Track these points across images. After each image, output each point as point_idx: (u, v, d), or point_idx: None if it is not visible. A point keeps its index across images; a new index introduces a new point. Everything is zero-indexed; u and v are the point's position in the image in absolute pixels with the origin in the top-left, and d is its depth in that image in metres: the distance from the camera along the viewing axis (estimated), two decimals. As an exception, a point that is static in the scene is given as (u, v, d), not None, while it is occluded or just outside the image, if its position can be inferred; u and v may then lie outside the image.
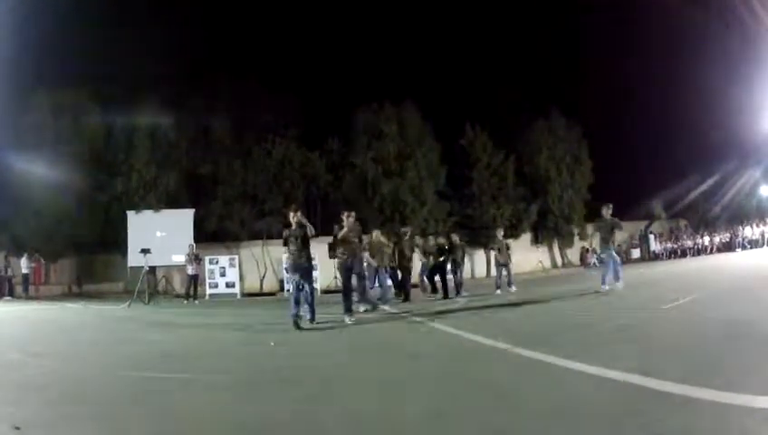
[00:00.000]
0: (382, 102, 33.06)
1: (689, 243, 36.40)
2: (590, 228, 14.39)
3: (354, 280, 11.22)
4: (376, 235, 16.09)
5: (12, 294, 22.72)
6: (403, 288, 16.23)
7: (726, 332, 6.07)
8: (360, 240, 11.67)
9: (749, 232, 33.08)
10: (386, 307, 13.61)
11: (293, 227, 9.93)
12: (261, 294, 26.74)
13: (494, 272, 19.00)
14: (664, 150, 34.51)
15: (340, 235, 11.15)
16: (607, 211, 13.38)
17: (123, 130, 30.23)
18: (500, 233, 18.75)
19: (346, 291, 10.83)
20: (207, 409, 4.39)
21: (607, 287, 12.73)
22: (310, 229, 10.00)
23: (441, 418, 3.76)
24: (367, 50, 38.88)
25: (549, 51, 38.50)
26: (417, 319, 10.31)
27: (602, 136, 36.38)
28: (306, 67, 37.15)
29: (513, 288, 16.70)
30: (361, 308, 12.24)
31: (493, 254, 20.83)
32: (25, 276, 23.98)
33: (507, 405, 3.94)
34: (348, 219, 11.06)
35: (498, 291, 16.68)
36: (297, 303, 9.60)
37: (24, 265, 23.94)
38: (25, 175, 25.82)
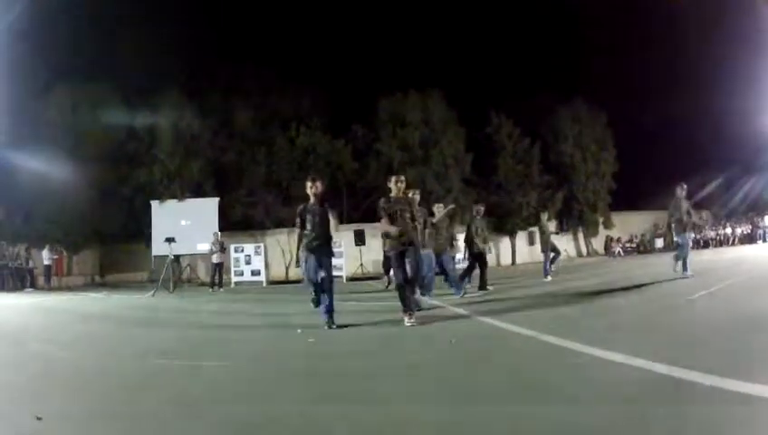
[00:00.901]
0: (407, 90, 33.00)
1: (711, 234, 35.87)
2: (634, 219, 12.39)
3: (409, 269, 7.96)
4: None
5: (34, 285, 22.98)
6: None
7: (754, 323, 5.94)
8: (413, 217, 8.39)
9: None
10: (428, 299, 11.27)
11: (312, 201, 8.05)
12: (287, 281, 26.83)
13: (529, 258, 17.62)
14: (686, 139, 33.94)
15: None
16: (681, 191, 12.43)
17: (145, 121, 30.37)
18: (544, 217, 16.78)
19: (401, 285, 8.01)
20: (231, 397, 4.31)
21: (689, 273, 11.82)
22: (332, 214, 8.44)
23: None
24: (391, 37, 38.85)
25: (574, 38, 37.93)
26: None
27: (626, 124, 36.05)
28: (331, 55, 37.09)
29: (549, 278, 15.10)
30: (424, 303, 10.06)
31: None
32: (47, 268, 24.19)
33: None
34: (396, 185, 8.31)
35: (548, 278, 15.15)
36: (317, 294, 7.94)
37: (45, 256, 24.20)
38: (47, 168, 26.14)
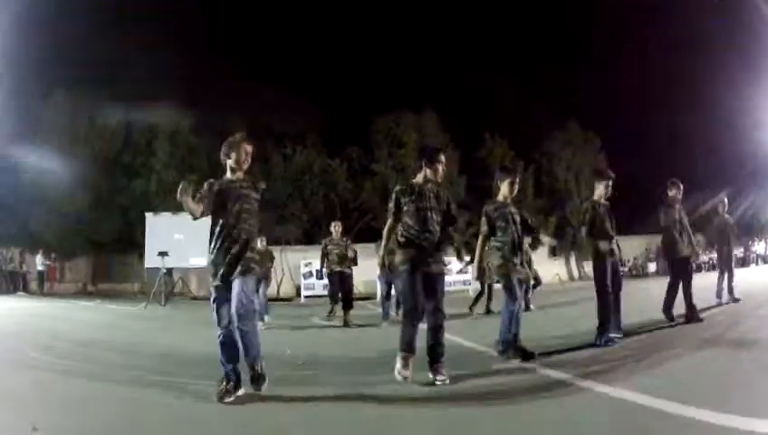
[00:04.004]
0: (401, 110, 33.24)
1: (704, 257, 35.74)
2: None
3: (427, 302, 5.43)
4: None
5: (26, 289, 22.90)
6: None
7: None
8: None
9: (762, 247, 32.40)
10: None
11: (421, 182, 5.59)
12: (277, 299, 26.81)
13: None
14: (681, 163, 34.11)
15: None
16: (723, 209, 11.41)
17: (142, 132, 30.66)
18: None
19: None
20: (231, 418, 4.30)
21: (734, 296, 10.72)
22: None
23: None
24: (386, 58, 39.21)
25: (567, 63, 38.37)
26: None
27: (619, 148, 36.28)
28: (326, 74, 37.46)
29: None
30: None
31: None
32: (41, 273, 24.16)
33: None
34: (435, 167, 5.66)
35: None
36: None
37: (39, 262, 24.12)
38: (43, 174, 26.15)
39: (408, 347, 5.30)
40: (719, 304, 10.16)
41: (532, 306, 13.16)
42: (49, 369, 6.06)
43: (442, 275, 5.53)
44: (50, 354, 6.99)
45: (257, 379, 4.82)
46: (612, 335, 6.96)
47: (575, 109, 36.56)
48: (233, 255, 4.86)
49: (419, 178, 5.65)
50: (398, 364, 5.28)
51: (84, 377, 5.71)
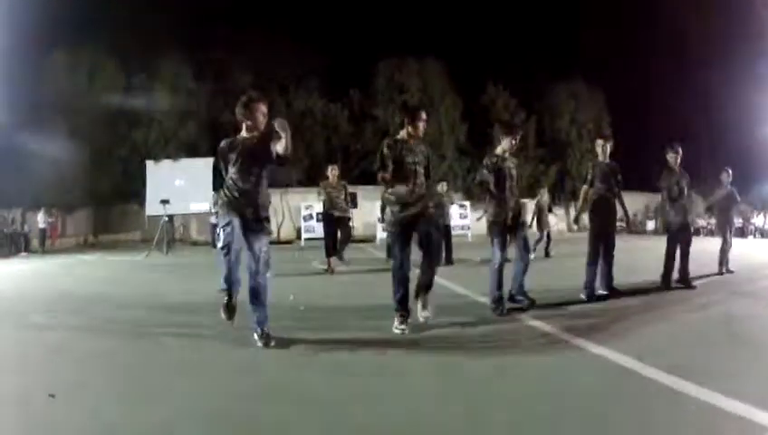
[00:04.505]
0: (405, 56, 32.97)
1: (702, 222, 35.53)
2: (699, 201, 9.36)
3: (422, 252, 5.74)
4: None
5: (28, 249, 22.85)
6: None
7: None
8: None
9: (761, 221, 32.08)
10: None
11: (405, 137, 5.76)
12: (278, 242, 27.00)
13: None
14: (683, 123, 33.75)
15: None
16: (727, 178, 10.78)
17: (142, 82, 30.55)
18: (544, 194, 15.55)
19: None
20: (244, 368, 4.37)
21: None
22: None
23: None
24: (390, 2, 38.35)
25: (576, 13, 37.56)
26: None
27: (624, 104, 35.90)
28: (329, 18, 36.67)
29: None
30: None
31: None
32: (42, 231, 23.99)
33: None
34: (415, 124, 5.78)
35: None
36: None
37: (41, 219, 24.04)
38: (43, 131, 26.10)
39: (401, 306, 5.55)
40: (721, 273, 9.99)
41: (552, 253, 14.19)
42: (56, 331, 5.97)
43: (432, 214, 5.82)
44: (56, 316, 6.85)
45: (265, 338, 4.96)
46: (600, 293, 7.31)
47: (581, 63, 36.06)
48: (247, 209, 4.97)
49: (403, 134, 5.79)
50: (396, 322, 5.52)
51: (93, 335, 5.71)
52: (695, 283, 8.32)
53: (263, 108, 5.12)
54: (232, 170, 5.03)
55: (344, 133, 32.05)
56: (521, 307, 6.51)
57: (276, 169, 5.18)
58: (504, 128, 6.80)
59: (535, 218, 14.56)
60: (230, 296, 5.20)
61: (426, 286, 5.69)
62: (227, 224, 4.99)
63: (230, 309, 5.23)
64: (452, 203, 14.61)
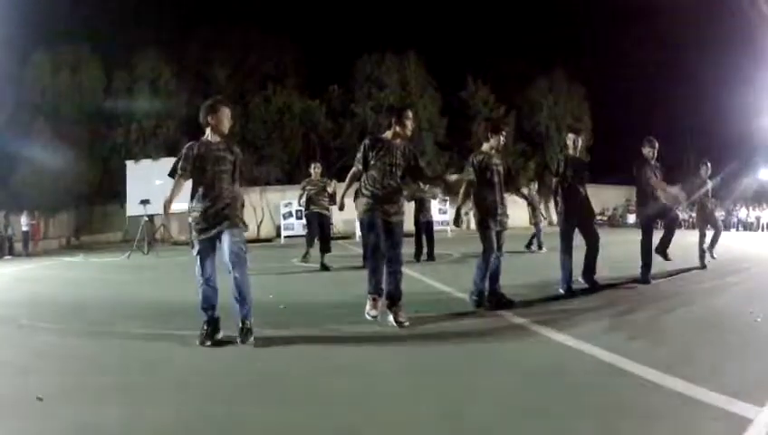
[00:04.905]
0: (384, 52, 33.06)
1: (684, 215, 35.70)
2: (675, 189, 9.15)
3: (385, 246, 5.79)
4: None
5: (12, 252, 22.58)
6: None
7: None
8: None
9: (744, 214, 32.32)
10: None
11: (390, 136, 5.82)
12: (258, 240, 26.94)
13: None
14: (664, 116, 34.01)
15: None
16: (706, 172, 10.68)
17: (123, 81, 30.67)
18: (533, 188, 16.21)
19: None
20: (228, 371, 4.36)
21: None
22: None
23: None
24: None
25: (556, 7, 37.77)
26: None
27: (603, 98, 36.15)
28: (307, 15, 36.61)
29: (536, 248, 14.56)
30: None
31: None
32: (25, 234, 23.73)
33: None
34: (402, 122, 5.80)
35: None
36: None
37: (23, 222, 23.77)
38: (23, 132, 25.99)
39: (374, 290, 5.69)
40: (703, 266, 9.91)
41: (544, 249, 14.26)
42: (42, 334, 5.93)
43: (401, 223, 5.86)
44: (41, 319, 6.73)
45: (245, 333, 4.96)
46: (575, 287, 7.32)
47: (561, 57, 36.33)
48: (215, 212, 5.05)
49: (388, 134, 5.83)
50: (368, 305, 5.69)
51: (78, 338, 5.69)
52: (677, 275, 8.47)
53: (227, 111, 5.24)
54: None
55: (323, 130, 31.99)
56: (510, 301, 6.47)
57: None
58: (494, 128, 6.74)
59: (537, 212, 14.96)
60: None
61: (395, 294, 5.68)
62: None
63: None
64: (434, 198, 14.51)
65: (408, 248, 5.86)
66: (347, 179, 5.93)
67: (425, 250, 12.65)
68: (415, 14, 38.07)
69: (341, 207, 6.59)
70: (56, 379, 4.23)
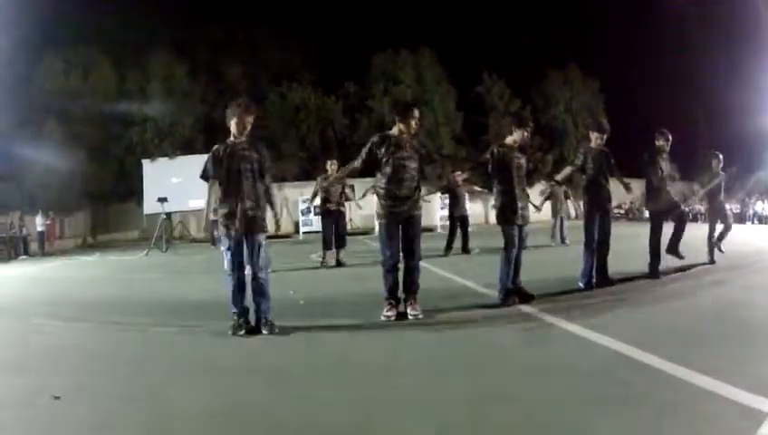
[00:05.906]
0: (399, 48, 33.02)
1: (698, 207, 35.16)
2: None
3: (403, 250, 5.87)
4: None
5: (27, 252, 22.77)
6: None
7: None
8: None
9: (759, 206, 31.76)
10: None
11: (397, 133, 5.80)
12: (276, 236, 27.00)
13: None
14: (678, 110, 33.64)
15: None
16: (717, 164, 10.24)
17: (136, 81, 30.82)
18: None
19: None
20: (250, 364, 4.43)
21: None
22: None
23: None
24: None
25: (571, 3, 37.47)
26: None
27: (618, 92, 35.86)
28: (323, 11, 36.61)
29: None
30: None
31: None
32: (41, 234, 23.83)
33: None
34: (407, 122, 5.75)
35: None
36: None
37: (38, 222, 23.96)
38: (36, 133, 26.25)
39: (390, 295, 5.76)
40: (712, 262, 9.72)
41: (567, 241, 14.26)
42: (59, 334, 5.89)
43: (418, 218, 5.88)
44: (57, 318, 6.68)
45: (268, 326, 5.22)
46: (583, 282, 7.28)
47: (576, 51, 36.07)
48: (242, 212, 5.21)
49: (395, 130, 5.82)
50: (384, 309, 5.70)
51: (94, 336, 5.71)
52: (687, 271, 8.29)
53: (248, 118, 5.32)
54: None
55: (340, 126, 32.03)
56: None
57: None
58: (520, 121, 6.64)
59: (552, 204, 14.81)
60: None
61: (410, 287, 5.78)
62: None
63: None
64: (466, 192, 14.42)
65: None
66: (343, 168, 6.12)
67: (457, 244, 12.68)
68: (429, 9, 37.95)
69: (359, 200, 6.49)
70: (72, 377, 4.18)
